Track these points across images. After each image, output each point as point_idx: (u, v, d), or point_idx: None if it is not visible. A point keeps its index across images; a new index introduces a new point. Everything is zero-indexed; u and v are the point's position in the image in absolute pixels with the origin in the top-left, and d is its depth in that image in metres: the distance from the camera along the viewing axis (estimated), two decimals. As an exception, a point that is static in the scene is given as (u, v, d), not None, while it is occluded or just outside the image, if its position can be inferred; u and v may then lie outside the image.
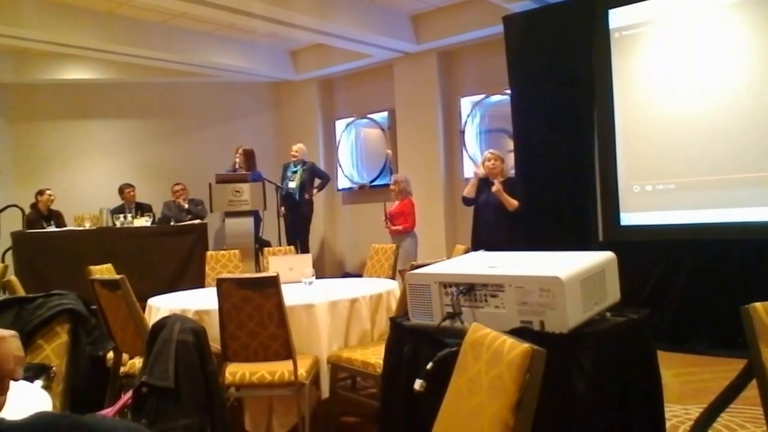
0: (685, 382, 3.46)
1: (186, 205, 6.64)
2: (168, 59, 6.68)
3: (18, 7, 5.44)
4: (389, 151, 7.13)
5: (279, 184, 6.38)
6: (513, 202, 4.55)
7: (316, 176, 6.64)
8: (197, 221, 6.38)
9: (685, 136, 4.24)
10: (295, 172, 6.47)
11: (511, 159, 5.60)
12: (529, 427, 0.97)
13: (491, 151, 4.84)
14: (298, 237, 6.41)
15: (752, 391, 1.21)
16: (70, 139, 7.45)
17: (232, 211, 5.68)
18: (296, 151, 6.53)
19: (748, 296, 1.38)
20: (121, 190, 6.74)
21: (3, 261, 5.90)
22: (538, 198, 5.03)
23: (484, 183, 4.77)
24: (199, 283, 4.47)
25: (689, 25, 4.22)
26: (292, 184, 6.40)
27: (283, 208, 6.37)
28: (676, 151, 4.30)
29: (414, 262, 2.52)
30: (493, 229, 4.60)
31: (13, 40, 5.96)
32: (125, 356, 2.83)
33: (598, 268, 1.61)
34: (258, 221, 6.25)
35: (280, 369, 2.50)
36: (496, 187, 4.55)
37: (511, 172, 5.36)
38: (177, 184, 6.78)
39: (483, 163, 4.80)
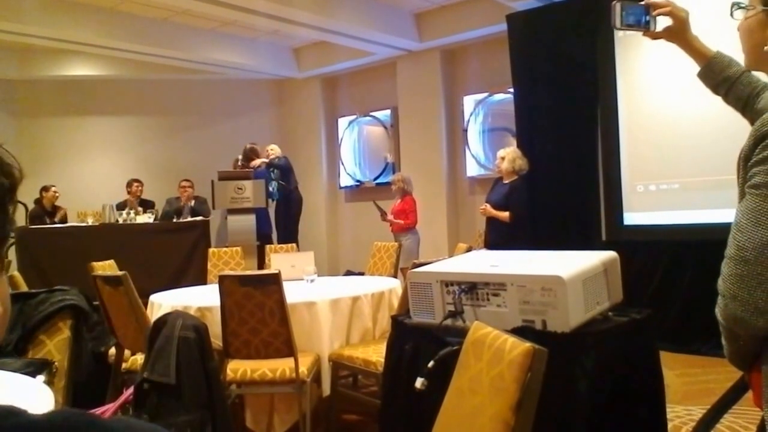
0: (689, 382, 3.45)
1: (191, 203, 6.64)
2: (170, 56, 6.68)
3: (21, 4, 5.44)
4: (389, 155, 7.09)
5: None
6: (501, 215, 4.38)
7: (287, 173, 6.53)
8: (199, 218, 6.39)
9: (689, 135, 4.22)
10: (273, 172, 6.47)
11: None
12: (529, 427, 0.97)
13: (500, 151, 4.72)
14: (285, 234, 6.37)
15: (755, 392, 1.20)
16: (72, 136, 7.46)
17: (235, 208, 5.69)
18: (271, 151, 6.51)
19: (752, 297, 1.37)
20: (129, 185, 6.76)
21: (6, 257, 5.91)
22: (541, 197, 5.02)
23: (497, 180, 4.74)
24: (201, 280, 4.48)
25: (695, 23, 4.19)
26: (272, 185, 6.39)
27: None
28: (681, 150, 4.28)
29: (416, 261, 2.52)
30: (495, 228, 4.58)
31: (16, 37, 5.96)
32: (127, 352, 2.83)
33: (600, 268, 1.60)
34: (267, 218, 6.22)
35: (282, 366, 2.50)
36: (482, 211, 4.51)
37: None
38: (185, 180, 6.78)
39: None
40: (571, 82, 4.86)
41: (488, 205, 4.50)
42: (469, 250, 3.28)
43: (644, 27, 1.40)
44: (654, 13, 1.38)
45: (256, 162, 6.38)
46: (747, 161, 0.96)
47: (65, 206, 6.67)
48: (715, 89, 1.36)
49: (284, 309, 2.43)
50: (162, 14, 6.12)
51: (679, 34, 1.38)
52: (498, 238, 4.41)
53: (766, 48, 1.04)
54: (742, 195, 0.97)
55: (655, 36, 1.41)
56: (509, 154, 4.56)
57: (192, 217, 6.49)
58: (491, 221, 4.59)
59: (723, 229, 1.00)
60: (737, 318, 0.94)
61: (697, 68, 1.42)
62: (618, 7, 1.37)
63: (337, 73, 7.72)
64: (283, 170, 6.49)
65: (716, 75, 1.34)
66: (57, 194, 6.57)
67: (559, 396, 1.36)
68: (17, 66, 7.00)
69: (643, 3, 1.39)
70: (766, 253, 0.90)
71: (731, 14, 1.13)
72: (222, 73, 7.48)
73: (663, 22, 1.40)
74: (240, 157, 6.32)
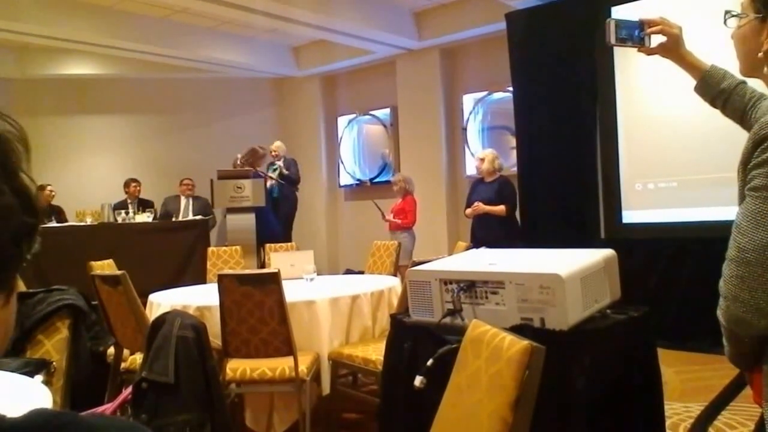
0: (687, 379, 3.46)
1: (191, 205, 6.64)
2: (169, 55, 6.67)
3: (19, 2, 5.43)
4: (386, 151, 7.11)
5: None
6: (497, 210, 4.55)
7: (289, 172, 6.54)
8: (198, 217, 6.38)
9: (687, 133, 4.23)
10: (275, 169, 6.44)
11: (513, 157, 5.60)
12: (527, 424, 0.97)
13: (479, 153, 4.92)
14: (280, 232, 6.34)
15: (753, 389, 1.20)
16: (71, 135, 7.45)
17: (234, 207, 5.69)
18: (275, 149, 6.50)
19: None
20: (127, 184, 6.75)
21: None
22: (539, 195, 5.03)
23: (478, 182, 4.87)
24: (200, 279, 4.47)
25: (694, 21, 4.19)
26: (271, 182, 6.36)
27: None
28: (679, 148, 4.28)
29: (415, 259, 2.52)
30: (485, 226, 4.66)
31: (14, 35, 5.95)
32: (126, 352, 2.83)
33: (598, 266, 1.60)
34: (273, 217, 6.20)
35: (281, 365, 2.50)
36: (472, 210, 4.60)
37: (513, 170, 5.37)
38: (187, 179, 6.77)
39: None
40: (570, 80, 4.86)
41: (480, 204, 4.59)
42: (468, 248, 3.28)
43: (638, 43, 1.43)
44: (648, 31, 1.42)
45: (263, 168, 6.31)
46: (746, 164, 0.97)
47: (63, 205, 6.66)
48: (713, 102, 1.38)
49: (283, 308, 2.43)
50: (160, 13, 6.11)
51: (673, 50, 1.42)
52: (488, 235, 4.49)
53: (760, 54, 1.05)
54: (742, 198, 0.98)
55: (650, 52, 1.45)
56: (488, 156, 4.75)
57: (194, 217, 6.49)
58: (481, 219, 4.68)
59: (721, 227, 1.00)
60: (739, 319, 0.95)
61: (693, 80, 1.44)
62: (612, 24, 1.40)
63: (337, 72, 7.71)
64: (292, 170, 6.49)
65: (712, 89, 1.37)
66: (53, 193, 6.56)
67: (557, 393, 1.36)
68: (15, 65, 6.99)
69: (636, 20, 1.41)
70: (766, 254, 0.90)
71: (725, 22, 1.14)
72: (221, 71, 7.47)
73: (657, 39, 1.42)
74: (239, 155, 6.30)
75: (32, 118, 7.37)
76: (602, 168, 4.73)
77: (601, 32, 1.46)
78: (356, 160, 7.71)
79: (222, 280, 2.45)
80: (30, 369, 1.46)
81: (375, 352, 2.57)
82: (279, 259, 3.64)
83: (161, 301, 2.93)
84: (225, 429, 1.59)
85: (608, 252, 1.70)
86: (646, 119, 4.48)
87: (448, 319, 1.59)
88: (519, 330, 1.35)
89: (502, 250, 1.91)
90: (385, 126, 7.29)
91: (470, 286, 1.57)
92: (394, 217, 5.54)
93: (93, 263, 3.38)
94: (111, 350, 2.79)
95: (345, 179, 7.72)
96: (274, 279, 2.43)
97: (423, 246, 5.64)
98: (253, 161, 6.22)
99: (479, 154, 4.93)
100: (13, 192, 0.47)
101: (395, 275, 3.81)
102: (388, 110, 7.21)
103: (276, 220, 6.15)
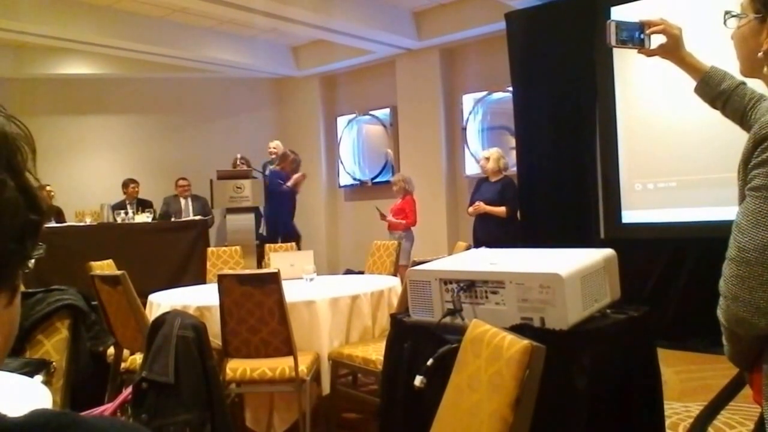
0: (686, 379, 3.46)
1: (191, 205, 6.63)
2: (168, 54, 6.66)
3: (17, 1, 5.42)
4: (389, 150, 7.12)
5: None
6: (497, 211, 4.57)
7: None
8: (198, 217, 6.38)
9: (686, 133, 4.23)
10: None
11: (512, 157, 5.60)
12: (528, 424, 0.97)
13: (484, 152, 4.92)
14: (277, 231, 6.33)
15: (753, 388, 1.20)
16: (69, 135, 7.44)
17: (234, 207, 5.69)
18: (274, 148, 6.51)
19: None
20: (125, 185, 6.75)
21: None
22: (539, 195, 5.03)
23: (482, 180, 4.88)
24: (200, 279, 4.47)
25: (693, 22, 4.19)
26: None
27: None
28: (678, 148, 4.29)
29: (415, 259, 2.53)
30: (485, 226, 4.67)
31: (11, 34, 5.94)
32: (126, 352, 2.83)
33: (598, 266, 1.61)
34: (258, 218, 6.21)
35: (281, 365, 2.50)
36: (474, 209, 4.64)
37: (513, 170, 5.37)
38: (182, 179, 6.77)
39: None
40: (569, 80, 4.87)
41: (481, 203, 4.60)
42: (468, 248, 3.29)
43: (638, 45, 1.43)
44: (648, 32, 1.42)
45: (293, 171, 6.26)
46: (747, 164, 0.97)
47: (61, 206, 6.66)
48: (713, 103, 1.39)
49: (283, 308, 2.43)
50: (160, 12, 6.11)
51: (673, 51, 1.43)
52: (489, 235, 4.50)
53: (759, 54, 1.06)
54: (742, 197, 0.98)
55: (650, 53, 1.46)
56: (493, 155, 4.75)
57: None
58: (482, 219, 4.70)
59: (720, 227, 1.00)
60: (739, 319, 0.95)
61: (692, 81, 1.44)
62: (613, 25, 1.41)
63: (336, 72, 7.71)
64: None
65: (712, 90, 1.37)
66: (52, 193, 6.55)
67: (557, 393, 1.36)
68: (12, 64, 6.97)
69: (637, 21, 1.42)
70: (767, 254, 0.91)
71: (724, 23, 1.14)
72: (220, 71, 7.46)
73: (657, 40, 1.43)
74: (239, 155, 6.31)
75: (30, 117, 7.32)
76: (602, 168, 4.74)
77: (602, 33, 1.46)
78: (356, 160, 7.71)
79: (222, 280, 2.45)
80: (30, 369, 1.46)
81: (375, 352, 2.57)
82: (279, 259, 3.64)
83: (161, 301, 2.93)
84: (225, 429, 1.59)
85: (608, 252, 1.70)
86: (646, 119, 4.48)
87: (448, 319, 1.59)
88: (519, 330, 1.35)
89: (502, 249, 1.91)
90: (384, 126, 7.29)
91: (470, 286, 1.57)
92: (393, 218, 5.55)
93: (93, 263, 3.37)
94: (111, 350, 2.79)
95: (345, 179, 7.72)
96: (274, 279, 2.43)
97: (423, 246, 5.64)
98: (284, 165, 6.22)
99: (484, 153, 4.91)
100: (19, 189, 0.48)
101: (395, 275, 3.82)
102: (387, 110, 7.21)
103: (289, 216, 6.14)
